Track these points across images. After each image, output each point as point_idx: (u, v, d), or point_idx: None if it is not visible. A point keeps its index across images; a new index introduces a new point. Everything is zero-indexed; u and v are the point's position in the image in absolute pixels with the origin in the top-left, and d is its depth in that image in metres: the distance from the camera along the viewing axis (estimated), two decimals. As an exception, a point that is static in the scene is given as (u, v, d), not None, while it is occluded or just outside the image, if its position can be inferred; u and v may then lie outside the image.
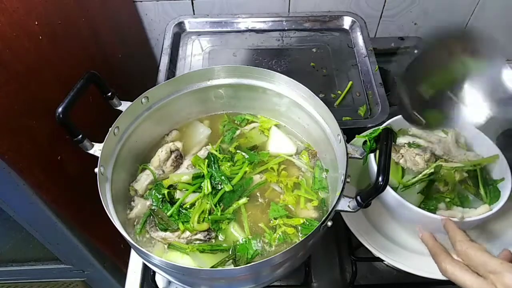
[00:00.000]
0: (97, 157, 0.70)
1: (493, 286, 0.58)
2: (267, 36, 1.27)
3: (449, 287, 0.86)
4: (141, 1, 1.33)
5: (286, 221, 0.79)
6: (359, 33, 1.24)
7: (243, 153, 0.88)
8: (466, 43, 0.68)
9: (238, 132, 0.93)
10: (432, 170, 0.80)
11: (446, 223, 0.72)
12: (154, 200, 0.81)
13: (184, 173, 0.84)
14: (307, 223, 0.79)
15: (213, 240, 0.77)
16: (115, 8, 1.20)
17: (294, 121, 0.92)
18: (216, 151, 0.87)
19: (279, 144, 0.91)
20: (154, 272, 0.89)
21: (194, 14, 1.35)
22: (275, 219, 0.79)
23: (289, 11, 1.35)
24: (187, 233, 0.76)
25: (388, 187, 0.74)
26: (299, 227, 0.79)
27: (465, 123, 0.74)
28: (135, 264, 0.93)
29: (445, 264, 0.66)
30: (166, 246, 0.77)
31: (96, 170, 0.69)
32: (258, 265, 0.63)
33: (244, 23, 1.28)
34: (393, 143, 0.68)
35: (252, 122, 0.96)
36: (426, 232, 0.74)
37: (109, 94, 0.77)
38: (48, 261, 1.20)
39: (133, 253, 0.95)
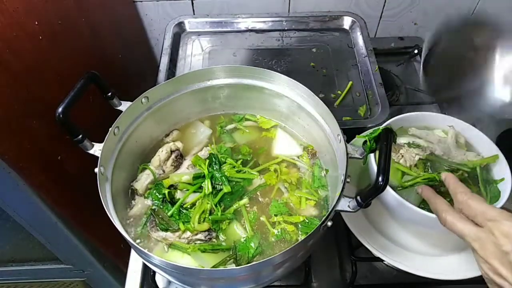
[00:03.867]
0: (97, 157, 0.70)
1: (491, 234, 0.59)
2: (267, 36, 1.27)
3: (449, 287, 0.86)
4: (141, 1, 1.33)
5: (287, 218, 0.79)
6: (359, 33, 1.24)
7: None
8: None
9: (232, 126, 0.94)
10: (429, 177, 0.80)
11: (447, 177, 0.72)
12: (154, 200, 0.81)
13: (185, 173, 0.84)
14: (307, 221, 0.79)
15: (214, 240, 0.77)
16: (115, 8, 1.21)
17: (294, 121, 0.92)
18: (218, 151, 0.88)
19: (285, 146, 0.91)
20: (154, 272, 0.89)
21: (194, 14, 1.35)
22: (276, 215, 0.80)
23: (289, 11, 1.35)
24: (188, 233, 0.76)
25: (388, 187, 0.74)
26: (299, 225, 0.79)
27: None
28: (135, 264, 0.93)
29: (445, 214, 0.66)
30: (166, 246, 0.77)
31: (96, 170, 0.69)
32: (258, 265, 0.63)
33: (244, 23, 1.28)
34: (393, 143, 0.69)
35: (250, 121, 0.96)
36: (424, 186, 0.73)
37: (109, 94, 0.77)
38: (48, 261, 1.20)
39: (133, 253, 0.95)
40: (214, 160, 0.84)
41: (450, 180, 0.71)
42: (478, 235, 0.60)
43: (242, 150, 0.90)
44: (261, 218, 0.80)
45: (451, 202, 0.80)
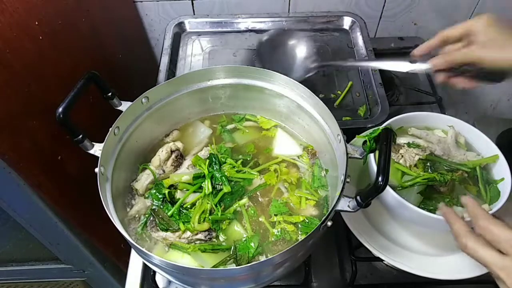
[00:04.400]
0: (97, 157, 0.70)
1: None
2: (267, 36, 1.27)
3: (449, 287, 0.86)
4: (141, 1, 1.33)
5: (287, 218, 0.79)
6: (359, 33, 1.24)
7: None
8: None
9: (232, 126, 0.95)
10: (429, 177, 0.80)
11: (468, 201, 0.70)
12: (154, 199, 0.81)
13: (185, 173, 0.84)
14: (307, 221, 0.79)
15: (214, 240, 0.77)
16: (115, 8, 1.21)
17: (294, 121, 0.92)
18: (218, 151, 0.88)
19: (285, 146, 0.91)
20: (154, 272, 0.89)
21: (194, 14, 1.35)
22: (276, 215, 0.80)
23: (289, 11, 1.35)
24: (188, 233, 0.76)
25: (388, 187, 0.74)
26: (299, 225, 0.79)
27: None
28: (135, 264, 0.93)
29: (466, 239, 0.63)
30: (166, 246, 0.77)
31: (97, 170, 0.69)
32: (258, 265, 0.63)
33: (244, 23, 1.28)
34: (393, 143, 0.69)
35: (250, 121, 0.97)
36: (447, 208, 0.71)
37: (110, 94, 0.77)
38: (48, 261, 1.20)
39: (133, 253, 0.95)
40: (214, 160, 0.84)
41: (470, 204, 0.69)
42: (504, 263, 0.58)
43: (248, 148, 0.91)
44: (260, 219, 0.80)
45: (451, 202, 0.81)
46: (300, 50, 1.07)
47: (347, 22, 1.28)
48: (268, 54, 1.08)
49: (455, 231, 0.67)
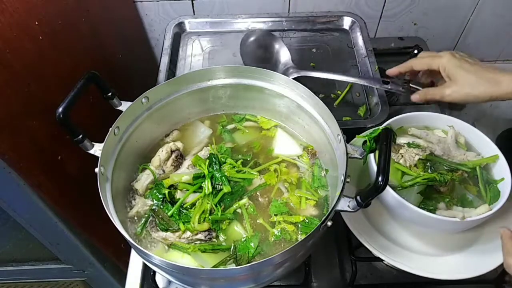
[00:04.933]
0: (97, 157, 0.70)
1: None
2: (267, 36, 1.27)
3: (449, 287, 0.86)
4: (141, 1, 1.33)
5: (287, 218, 0.79)
6: (359, 33, 1.24)
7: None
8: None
9: (232, 126, 0.95)
10: (429, 177, 0.80)
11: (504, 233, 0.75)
12: (154, 199, 0.81)
13: (185, 173, 0.84)
14: (307, 221, 0.79)
15: (214, 240, 0.77)
16: (115, 8, 1.21)
17: (294, 121, 0.92)
18: (218, 151, 0.88)
19: (285, 146, 0.91)
20: (154, 272, 0.89)
21: (194, 14, 1.35)
22: (276, 215, 0.80)
23: (289, 11, 1.35)
24: (188, 233, 0.76)
25: (388, 187, 0.74)
26: (299, 225, 0.79)
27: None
28: (135, 264, 0.93)
29: (511, 258, 0.68)
30: (166, 246, 0.77)
31: (96, 170, 0.69)
32: (258, 265, 0.63)
33: (244, 23, 1.28)
34: (393, 143, 0.69)
35: (250, 121, 0.96)
36: (508, 230, 0.76)
37: (110, 94, 0.77)
38: (48, 261, 1.20)
39: (133, 253, 0.95)
40: (214, 160, 0.84)
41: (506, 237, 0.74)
42: None
43: (254, 144, 0.91)
44: (259, 220, 0.80)
45: (451, 202, 0.81)
46: (283, 56, 1.14)
47: (347, 22, 1.28)
48: (250, 53, 1.13)
49: (505, 249, 0.71)
